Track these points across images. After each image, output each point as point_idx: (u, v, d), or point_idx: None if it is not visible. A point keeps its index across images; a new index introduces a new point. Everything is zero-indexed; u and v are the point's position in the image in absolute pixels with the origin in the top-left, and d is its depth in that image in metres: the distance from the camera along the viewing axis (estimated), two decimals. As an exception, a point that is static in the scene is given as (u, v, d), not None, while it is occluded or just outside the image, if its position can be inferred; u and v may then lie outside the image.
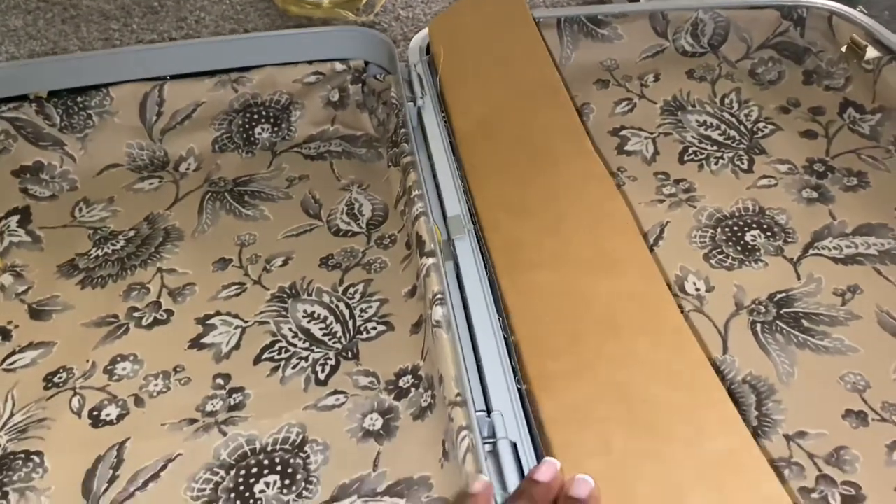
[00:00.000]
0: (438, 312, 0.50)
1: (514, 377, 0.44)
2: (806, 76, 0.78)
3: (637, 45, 0.79)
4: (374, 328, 0.59)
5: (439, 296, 0.51)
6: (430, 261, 0.53)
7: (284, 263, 0.64)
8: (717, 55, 0.79)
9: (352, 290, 0.62)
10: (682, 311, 0.57)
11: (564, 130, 0.54)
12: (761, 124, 0.73)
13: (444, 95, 0.65)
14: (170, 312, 0.61)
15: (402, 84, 0.67)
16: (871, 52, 0.72)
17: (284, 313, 0.60)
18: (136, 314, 0.60)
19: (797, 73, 0.78)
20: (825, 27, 0.77)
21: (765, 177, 0.69)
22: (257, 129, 0.76)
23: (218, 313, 0.60)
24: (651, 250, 0.62)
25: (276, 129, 0.76)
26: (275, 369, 0.56)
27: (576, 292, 0.45)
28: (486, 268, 0.51)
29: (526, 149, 0.55)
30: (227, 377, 0.56)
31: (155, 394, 0.55)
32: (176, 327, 0.60)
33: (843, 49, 0.74)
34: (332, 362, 0.57)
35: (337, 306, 0.61)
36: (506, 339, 0.46)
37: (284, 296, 0.62)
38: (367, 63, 0.75)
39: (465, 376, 0.45)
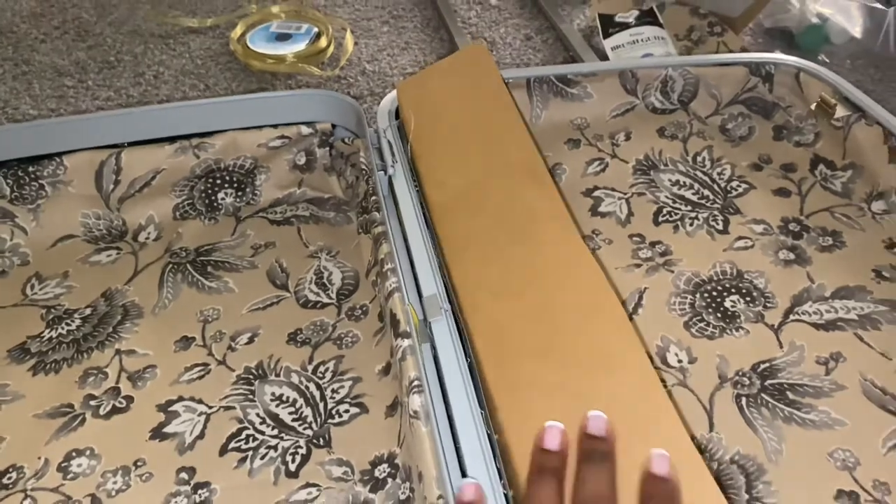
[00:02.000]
0: (416, 402, 0.47)
1: (501, 481, 0.42)
2: (776, 132, 0.78)
3: (607, 103, 0.78)
4: (347, 411, 0.56)
5: (416, 383, 0.48)
6: (406, 343, 0.51)
7: (250, 340, 0.61)
8: (687, 111, 0.79)
9: (322, 367, 0.59)
10: (665, 386, 0.56)
11: (548, 212, 0.53)
12: (734, 183, 0.73)
13: (415, 164, 0.63)
14: (129, 399, 0.57)
15: (371, 150, 0.65)
16: (840, 111, 0.72)
17: (251, 397, 0.57)
18: (92, 402, 0.57)
19: (767, 128, 0.78)
20: (793, 83, 0.77)
21: (741, 238, 0.68)
22: (220, 195, 0.73)
23: (181, 398, 0.57)
24: (630, 318, 0.61)
25: (240, 193, 0.73)
26: (242, 460, 0.53)
27: (572, 390, 0.43)
28: (466, 353, 0.49)
29: (506, 227, 0.53)
30: (191, 471, 0.53)
31: (114, 492, 0.51)
32: (136, 415, 0.56)
33: (813, 107, 0.74)
34: (303, 451, 0.54)
35: (307, 387, 0.58)
36: (489, 437, 0.44)
37: (251, 377, 0.59)
38: (334, 126, 0.73)
39: (447, 476, 0.43)
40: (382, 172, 0.63)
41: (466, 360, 0.49)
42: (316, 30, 1.01)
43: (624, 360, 0.45)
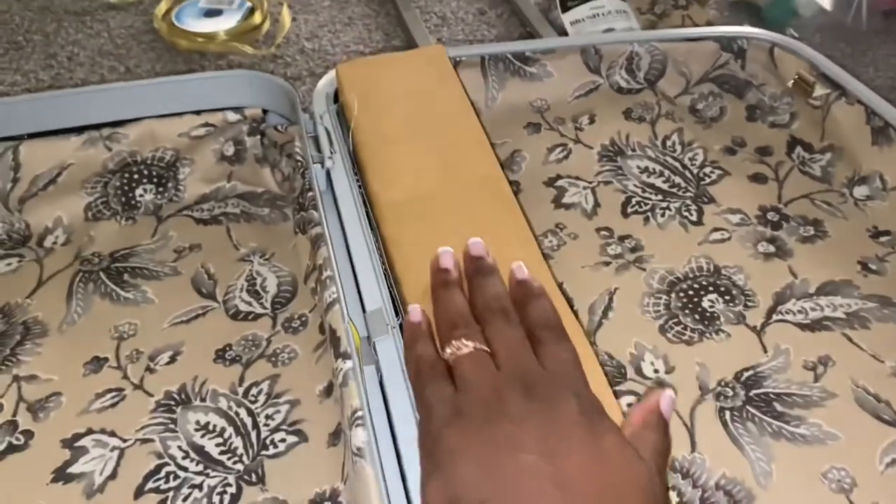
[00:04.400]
0: (359, 437, 0.41)
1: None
2: (749, 112, 0.72)
3: (569, 82, 0.72)
4: (283, 440, 0.49)
5: (359, 414, 0.41)
6: (347, 365, 0.44)
7: (172, 360, 0.54)
8: (654, 91, 0.73)
9: (255, 389, 0.52)
10: (640, 400, 0.50)
11: (512, 231, 0.46)
12: (707, 168, 0.67)
13: (358, 156, 0.56)
14: (28, 434, 0.49)
15: (306, 140, 0.57)
16: (820, 89, 0.67)
17: (173, 426, 0.50)
18: (-18, 441, 0.49)
19: (740, 108, 0.73)
20: (767, 60, 0.72)
21: (716, 229, 0.62)
22: (138, 191, 0.65)
23: (90, 431, 0.49)
24: (600, 324, 0.55)
25: (161, 189, 0.65)
26: (162, 503, 0.46)
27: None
28: (414, 380, 0.42)
29: (460, 230, 0.46)
30: (100, 519, 0.45)
31: (5, 551, 0.44)
32: (36, 454, 0.48)
33: (790, 84, 0.69)
34: (233, 489, 0.47)
35: (237, 413, 0.51)
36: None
37: (172, 403, 0.51)
38: (265, 111, 0.65)
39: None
40: (319, 165, 0.55)
41: (416, 388, 0.42)
42: (249, 4, 0.92)
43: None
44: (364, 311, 0.46)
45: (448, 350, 0.39)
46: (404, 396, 0.42)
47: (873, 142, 0.64)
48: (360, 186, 0.54)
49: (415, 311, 0.42)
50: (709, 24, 0.89)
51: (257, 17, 0.90)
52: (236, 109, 0.64)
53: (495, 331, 0.39)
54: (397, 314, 0.46)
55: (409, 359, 0.41)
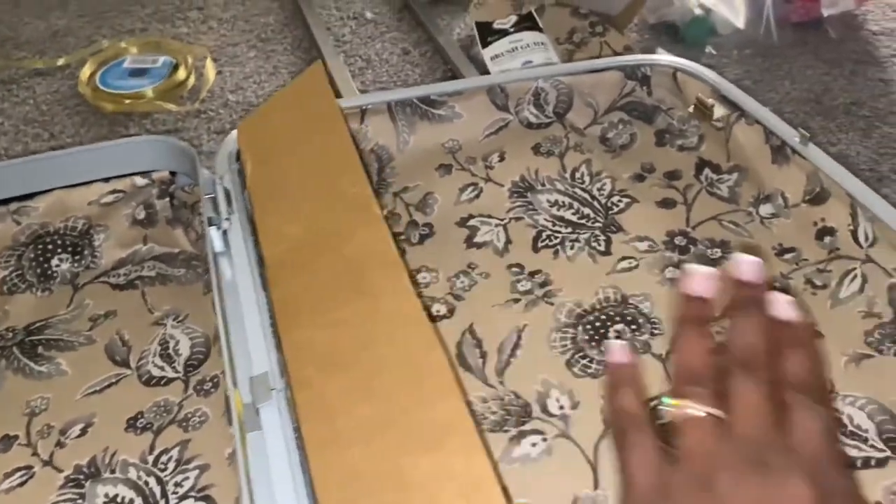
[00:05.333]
0: (245, 506, 0.41)
1: None
2: (658, 137, 0.74)
3: (479, 122, 0.73)
4: (191, 508, 0.49)
5: (244, 488, 0.41)
6: (236, 433, 0.44)
7: (83, 432, 0.54)
8: (563, 124, 0.74)
9: (165, 457, 0.52)
10: (545, 439, 0.51)
11: (379, 257, 0.46)
12: (616, 198, 0.68)
13: (254, 214, 0.56)
14: (-67, 523, 0.49)
15: (205, 201, 0.58)
16: (719, 111, 0.68)
17: (81, 502, 0.50)
18: None
19: (649, 134, 0.74)
20: (671, 84, 0.73)
21: (624, 258, 0.63)
22: (54, 261, 0.65)
23: (-4, 513, 0.49)
24: (508, 363, 0.55)
25: (77, 257, 0.65)
26: (67, 582, 0.46)
27: (393, 475, 0.37)
28: (297, 445, 0.43)
29: (340, 282, 0.47)
30: None
31: None
32: (-59, 541, 0.48)
33: (690, 109, 0.70)
34: (139, 562, 0.47)
35: (146, 483, 0.51)
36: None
37: (81, 477, 0.51)
38: (173, 174, 0.65)
39: None
40: (216, 228, 0.55)
41: (299, 455, 0.42)
42: (173, 61, 0.93)
43: (451, 433, 0.39)
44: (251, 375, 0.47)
45: (675, 403, 0.33)
46: (286, 467, 0.42)
47: (773, 160, 0.65)
48: (255, 246, 0.55)
49: (618, 351, 0.36)
50: (627, 48, 0.91)
51: (181, 74, 0.91)
52: (144, 174, 0.65)
53: (739, 391, 0.33)
54: (283, 375, 0.46)
55: (610, 409, 0.36)
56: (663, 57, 0.73)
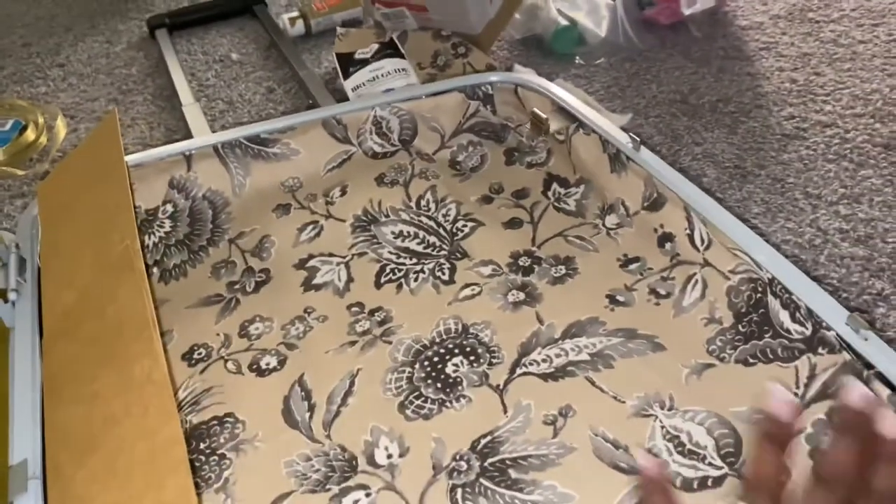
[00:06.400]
0: None
1: None
2: (508, 155, 0.71)
3: (319, 156, 0.70)
4: None
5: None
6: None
7: None
8: (409, 151, 0.71)
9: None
10: (368, 494, 0.47)
11: (137, 319, 0.43)
12: (461, 223, 0.65)
13: (40, 281, 0.52)
14: None
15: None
16: (556, 123, 0.66)
17: None
18: None
19: (499, 153, 0.72)
20: (514, 100, 0.71)
21: (468, 285, 0.60)
22: None
23: None
24: (338, 413, 0.52)
25: None
26: None
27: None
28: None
29: (99, 349, 0.43)
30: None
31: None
32: None
33: (528, 126, 0.68)
34: None
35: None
36: None
37: None
38: (-17, 245, 0.61)
39: None
40: (2, 301, 0.51)
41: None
42: (22, 122, 0.89)
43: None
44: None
45: None
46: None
47: (612, 169, 0.63)
48: (39, 318, 0.51)
49: (650, 464, 0.34)
50: (489, 66, 0.88)
51: (30, 135, 0.87)
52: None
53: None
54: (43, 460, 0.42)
55: None
56: (503, 74, 0.71)
